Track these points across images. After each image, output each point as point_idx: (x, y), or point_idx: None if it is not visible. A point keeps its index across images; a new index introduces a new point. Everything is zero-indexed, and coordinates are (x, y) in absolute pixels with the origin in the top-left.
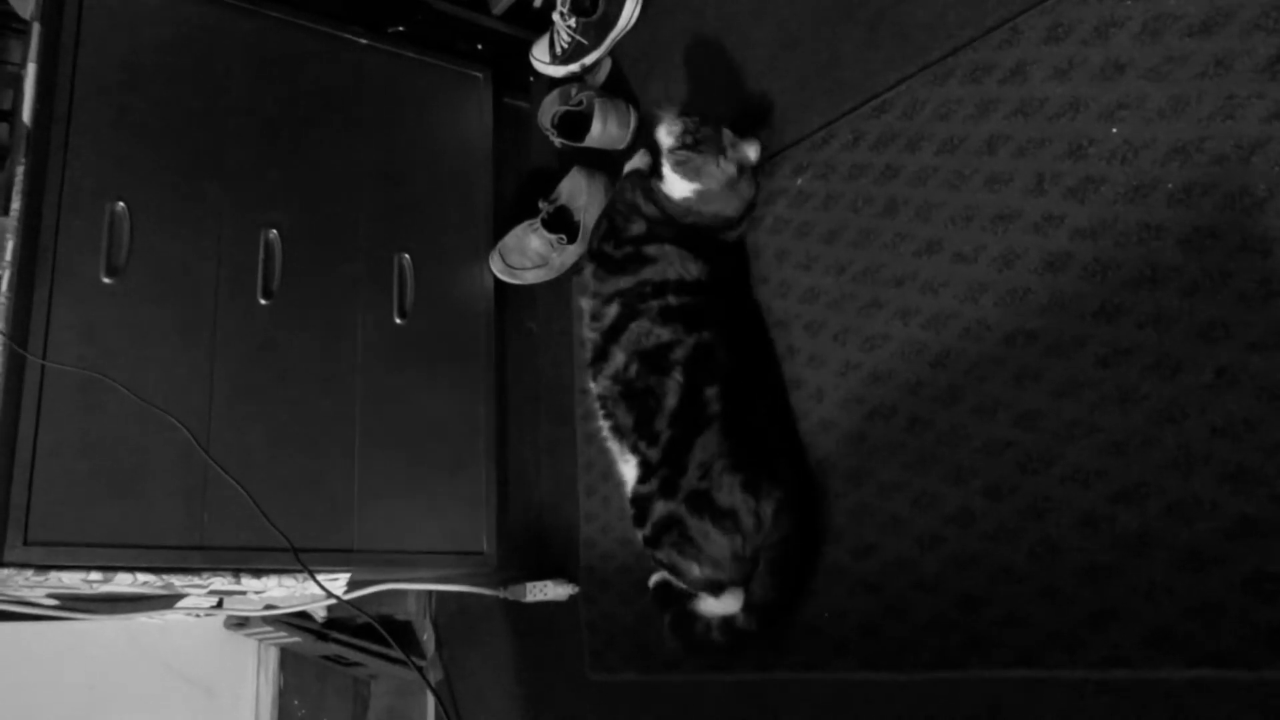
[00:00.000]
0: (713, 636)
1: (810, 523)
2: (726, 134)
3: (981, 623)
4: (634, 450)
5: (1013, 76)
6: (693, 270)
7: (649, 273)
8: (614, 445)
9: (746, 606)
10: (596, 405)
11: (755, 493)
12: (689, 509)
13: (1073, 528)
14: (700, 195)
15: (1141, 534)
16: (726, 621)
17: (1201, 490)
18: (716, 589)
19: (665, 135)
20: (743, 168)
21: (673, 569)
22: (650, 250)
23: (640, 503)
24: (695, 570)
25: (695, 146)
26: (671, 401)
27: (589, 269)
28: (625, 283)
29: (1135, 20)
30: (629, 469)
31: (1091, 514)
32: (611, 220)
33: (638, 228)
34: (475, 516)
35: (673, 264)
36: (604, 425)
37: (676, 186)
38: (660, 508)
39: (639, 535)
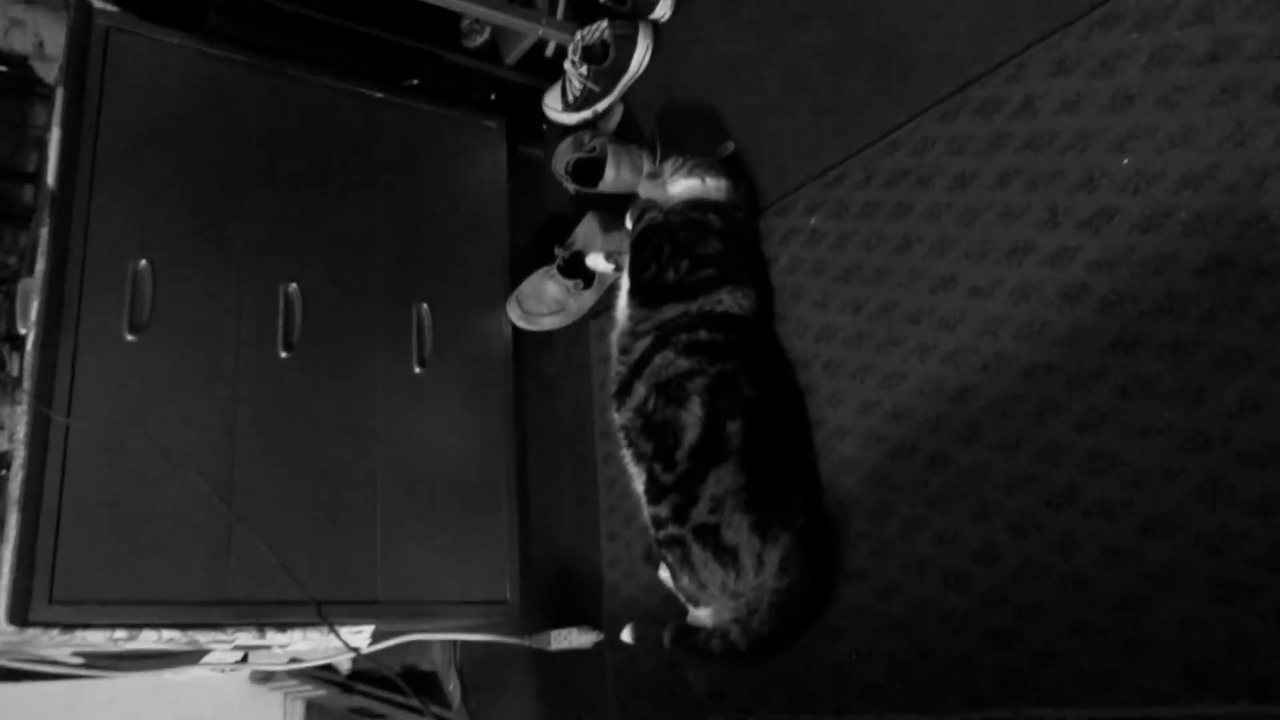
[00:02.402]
0: (711, 645)
1: (822, 574)
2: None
3: (1012, 661)
4: (649, 471)
5: (1022, 111)
6: (745, 305)
7: (704, 300)
8: (633, 469)
9: (744, 628)
10: (620, 435)
11: (763, 536)
12: (694, 536)
13: (1100, 562)
14: (728, 189)
15: (1170, 566)
16: (724, 633)
17: (1229, 520)
18: (695, 604)
19: (670, 170)
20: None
21: (670, 570)
22: (719, 274)
23: (654, 521)
24: (685, 581)
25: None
26: (692, 436)
27: (627, 303)
28: (671, 312)
29: (1142, 51)
30: (642, 486)
31: (1119, 547)
32: (675, 242)
33: (714, 246)
34: (498, 565)
35: (732, 294)
36: (626, 453)
37: (712, 188)
38: (671, 529)
39: (652, 539)
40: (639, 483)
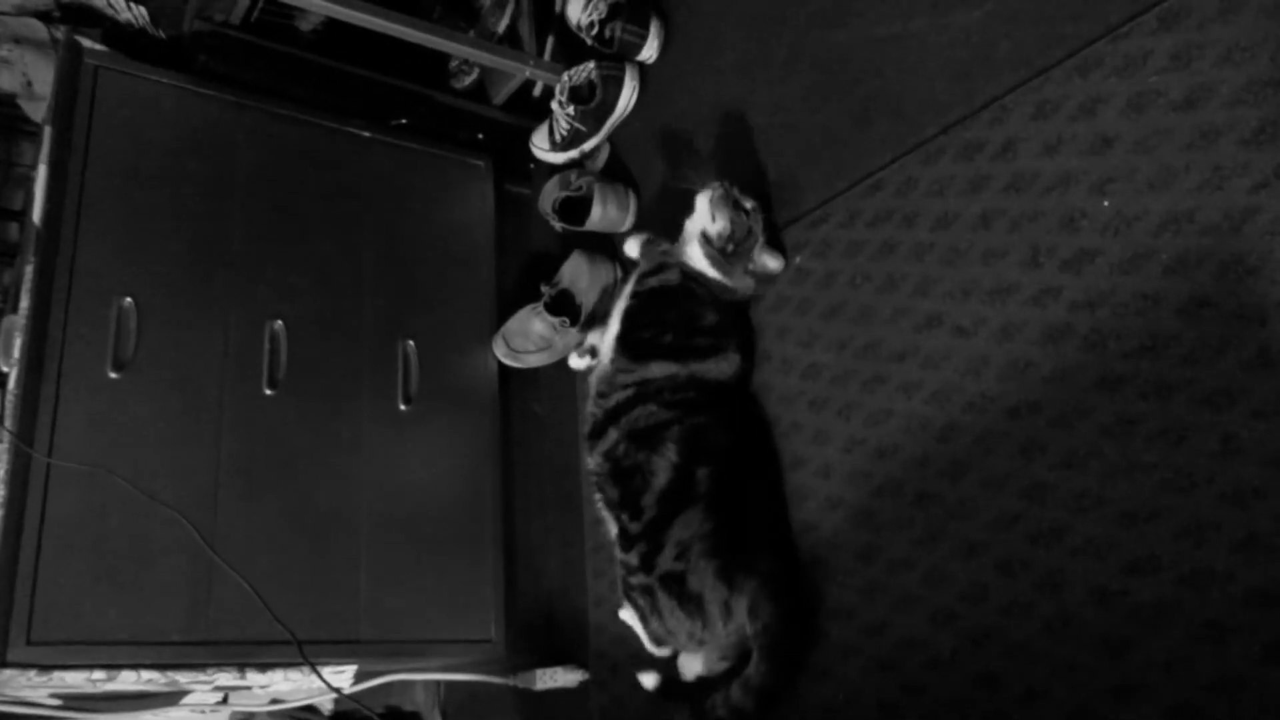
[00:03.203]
0: (719, 714)
1: (797, 605)
2: (759, 241)
3: (1000, 701)
4: (617, 520)
5: (1003, 153)
6: (729, 371)
7: (695, 367)
8: (605, 514)
9: (745, 687)
10: (591, 480)
11: (729, 584)
12: (661, 584)
13: (1087, 601)
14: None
15: (1157, 606)
16: (726, 698)
17: (1214, 560)
18: (658, 645)
19: (710, 224)
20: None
21: (640, 614)
22: (713, 344)
23: (624, 567)
24: (654, 625)
25: (731, 253)
26: (661, 481)
27: (613, 348)
28: (658, 370)
29: (1120, 96)
30: (615, 535)
31: (1105, 587)
32: (680, 312)
33: (710, 318)
34: (483, 603)
35: (718, 363)
36: (598, 499)
37: (700, 265)
38: (640, 577)
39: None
40: (612, 529)
